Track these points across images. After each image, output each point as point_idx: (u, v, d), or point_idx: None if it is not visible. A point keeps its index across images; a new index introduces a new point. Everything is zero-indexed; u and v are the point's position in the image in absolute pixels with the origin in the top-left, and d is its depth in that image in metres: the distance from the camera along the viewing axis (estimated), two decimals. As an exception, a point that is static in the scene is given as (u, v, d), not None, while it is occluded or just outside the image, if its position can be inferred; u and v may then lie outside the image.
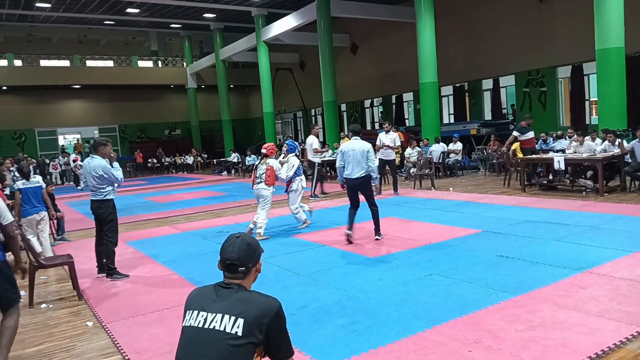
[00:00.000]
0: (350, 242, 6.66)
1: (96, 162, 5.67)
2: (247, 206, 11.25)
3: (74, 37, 33.00)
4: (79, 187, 17.90)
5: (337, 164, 6.83)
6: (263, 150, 7.71)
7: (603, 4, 10.97)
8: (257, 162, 7.80)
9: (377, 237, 6.81)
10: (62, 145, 32.37)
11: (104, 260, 5.85)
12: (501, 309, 3.93)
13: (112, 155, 5.90)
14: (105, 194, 5.71)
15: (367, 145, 6.68)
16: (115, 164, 5.88)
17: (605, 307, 3.85)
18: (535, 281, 4.53)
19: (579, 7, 15.08)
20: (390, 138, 11.18)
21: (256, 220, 7.49)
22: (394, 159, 11.46)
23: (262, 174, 7.56)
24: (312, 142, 11.86)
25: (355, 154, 6.62)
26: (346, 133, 20.27)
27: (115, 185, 5.82)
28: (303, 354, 3.37)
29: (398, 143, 11.48)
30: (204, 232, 8.35)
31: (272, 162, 7.58)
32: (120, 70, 31.59)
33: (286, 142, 8.41)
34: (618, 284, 4.33)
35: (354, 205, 6.83)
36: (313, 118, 30.88)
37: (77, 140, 33.62)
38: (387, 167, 11.55)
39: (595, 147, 9.88)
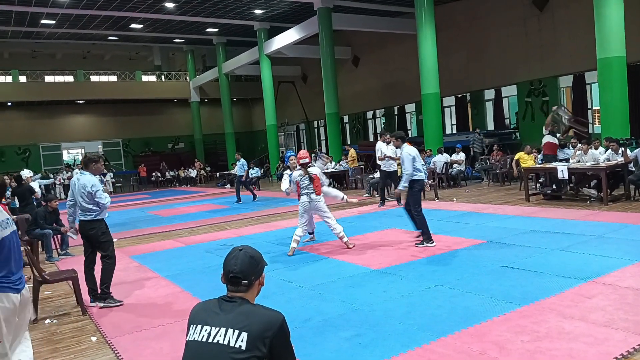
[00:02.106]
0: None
1: (86, 179, 5.22)
2: (250, 219, 11.25)
3: (78, 53, 33.32)
4: None
5: (410, 170, 6.93)
6: (305, 161, 7.19)
7: (604, 13, 11.02)
8: (297, 174, 7.25)
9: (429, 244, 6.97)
10: (74, 160, 32.46)
11: (97, 284, 5.37)
12: (507, 320, 3.91)
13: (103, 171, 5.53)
14: (95, 213, 5.25)
15: None
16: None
17: (612, 316, 3.81)
18: (541, 291, 4.50)
19: (579, 17, 15.15)
20: (391, 149, 11.18)
21: (337, 232, 7.13)
22: (396, 170, 11.47)
23: (310, 184, 7.14)
24: (380, 147, 12.03)
25: (419, 157, 7.08)
26: (351, 145, 20.29)
27: (104, 202, 5.26)
28: (308, 368, 3.35)
29: (399, 154, 11.49)
30: (208, 246, 8.35)
31: (317, 171, 7.27)
32: (124, 85, 31.80)
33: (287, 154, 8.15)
34: (624, 293, 4.30)
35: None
36: (316, 130, 30.97)
37: (82, 155, 33.80)
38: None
39: (599, 156, 9.85)
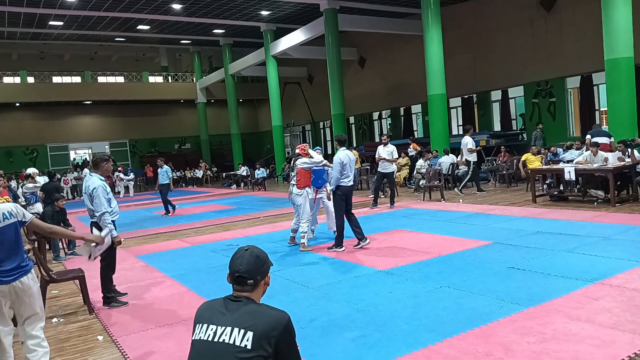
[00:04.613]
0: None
1: (92, 181, 5.10)
2: (256, 219, 11.27)
3: (86, 54, 33.52)
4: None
5: (337, 175, 6.94)
6: (297, 151, 7.65)
7: (611, 14, 10.97)
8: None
9: (364, 243, 7.10)
10: (84, 160, 32.57)
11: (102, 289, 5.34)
12: (513, 322, 3.89)
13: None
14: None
15: None
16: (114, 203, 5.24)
17: (619, 318, 3.80)
18: (547, 293, 4.48)
19: (586, 18, 15.08)
20: (387, 151, 11.21)
21: (299, 230, 7.45)
22: (393, 172, 11.47)
23: (294, 176, 7.53)
24: (468, 142, 12.55)
25: (351, 163, 7.08)
26: (352, 147, 20.25)
27: (99, 212, 5.02)
28: (313, 368, 3.36)
29: (396, 155, 11.59)
30: (214, 246, 8.37)
31: (300, 162, 7.46)
32: (130, 86, 31.96)
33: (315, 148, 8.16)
34: (631, 295, 4.27)
35: (349, 210, 7.14)
36: (322, 131, 30.98)
37: (90, 155, 33.95)
38: (385, 180, 11.57)
39: (610, 158, 9.75)
